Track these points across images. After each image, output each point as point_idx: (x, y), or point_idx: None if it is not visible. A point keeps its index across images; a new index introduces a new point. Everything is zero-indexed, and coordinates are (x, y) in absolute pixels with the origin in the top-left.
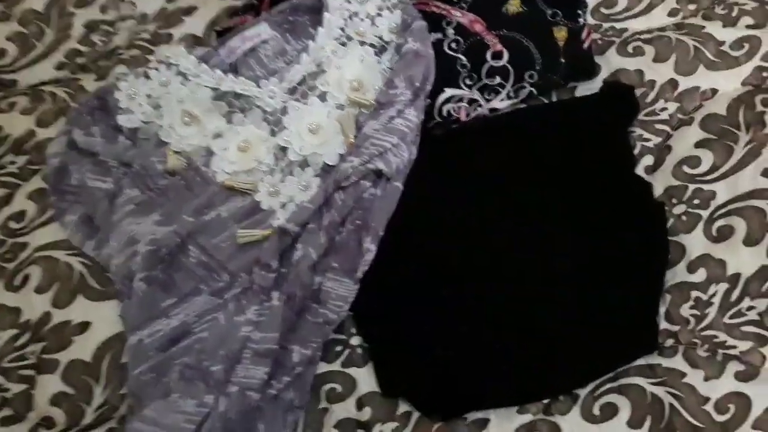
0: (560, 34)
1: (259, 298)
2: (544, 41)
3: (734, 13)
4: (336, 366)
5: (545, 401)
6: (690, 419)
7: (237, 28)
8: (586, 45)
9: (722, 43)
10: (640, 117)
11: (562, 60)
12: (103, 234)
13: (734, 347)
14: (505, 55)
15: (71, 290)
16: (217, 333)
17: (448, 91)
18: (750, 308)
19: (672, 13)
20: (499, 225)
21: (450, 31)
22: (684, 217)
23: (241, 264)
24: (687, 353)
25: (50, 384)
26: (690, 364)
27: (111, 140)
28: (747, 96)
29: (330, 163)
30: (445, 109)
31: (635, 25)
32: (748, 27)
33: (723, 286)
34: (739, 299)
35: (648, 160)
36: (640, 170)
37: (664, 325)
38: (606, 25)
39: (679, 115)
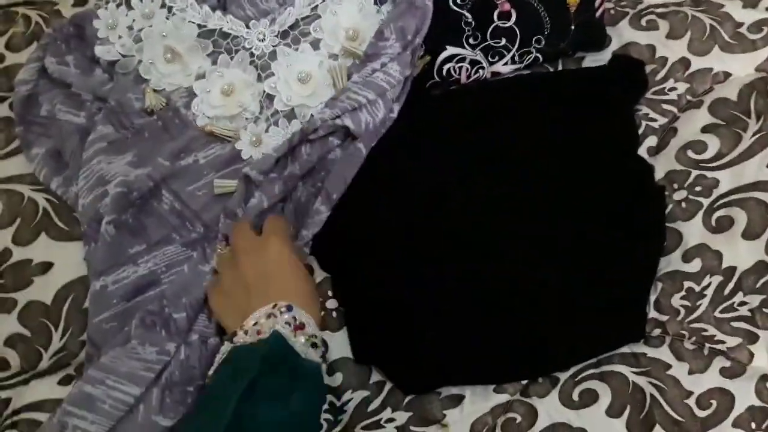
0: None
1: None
2: (555, 5)
3: None
4: None
5: (523, 382)
6: (670, 412)
7: None
8: (598, 13)
9: (740, 24)
10: (648, 95)
11: (572, 27)
12: (71, 171)
13: (722, 342)
14: (513, 16)
15: (34, 228)
16: (180, 281)
17: (450, 50)
18: (742, 303)
19: None
20: (488, 198)
21: None
22: (684, 204)
23: (215, 215)
24: (673, 345)
25: (6, 324)
26: (676, 356)
27: (86, 72)
28: (760, 83)
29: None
30: (445, 68)
31: None
32: None
33: (717, 279)
34: (732, 293)
35: (651, 141)
36: (642, 151)
37: (652, 314)
38: None
39: (688, 97)
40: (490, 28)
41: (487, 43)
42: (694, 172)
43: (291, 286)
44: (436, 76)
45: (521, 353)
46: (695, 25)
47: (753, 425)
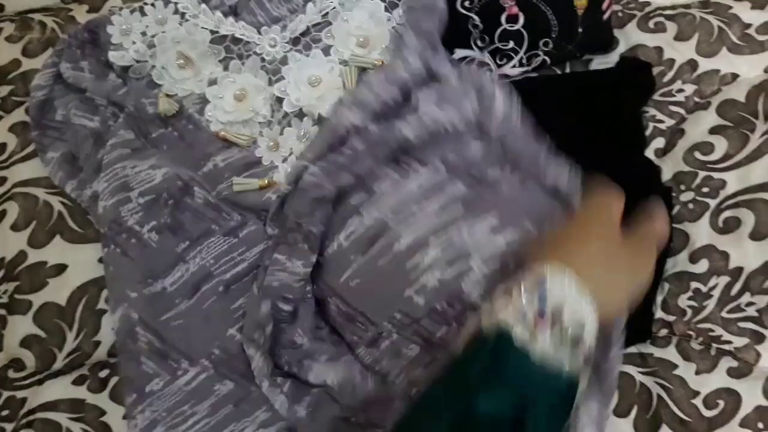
0: (580, 1)
1: None
2: (562, 7)
3: None
4: None
5: None
6: (677, 412)
7: None
8: (606, 16)
9: (748, 25)
10: (655, 97)
11: (580, 29)
12: (86, 175)
13: (729, 342)
14: (521, 19)
15: (49, 230)
16: None
17: (459, 52)
18: (749, 304)
19: None
20: None
21: None
22: (691, 205)
23: (251, 202)
24: (680, 345)
25: (21, 325)
26: (682, 357)
27: (100, 77)
28: None
29: (327, 116)
30: None
31: None
32: None
33: (724, 279)
34: (739, 294)
35: (659, 142)
36: (649, 152)
37: (659, 314)
38: None
39: (696, 98)
40: (498, 31)
41: (494, 45)
42: (702, 174)
43: None
44: None
45: None
46: (703, 26)
47: (760, 425)
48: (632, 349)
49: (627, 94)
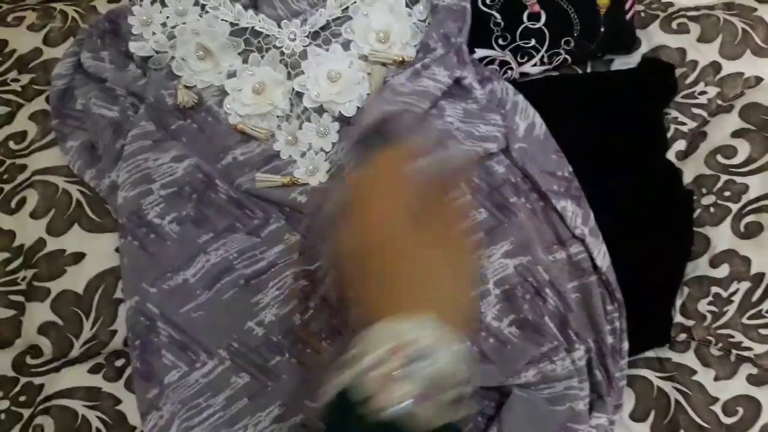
0: (603, 0)
1: None
2: (585, 6)
3: None
4: None
5: None
6: (696, 418)
7: None
8: (628, 16)
9: None
10: (678, 99)
11: (602, 29)
12: (104, 165)
13: (749, 349)
14: (543, 17)
15: (67, 218)
16: None
17: (480, 52)
18: None
19: None
20: None
21: None
22: (712, 209)
23: (273, 197)
24: (699, 350)
25: (39, 312)
26: (701, 362)
27: (120, 67)
28: None
29: (347, 115)
30: None
31: (683, 0)
32: None
33: (745, 285)
34: (760, 300)
35: (680, 145)
36: (671, 154)
37: (678, 318)
38: None
39: (719, 101)
40: (520, 29)
41: (516, 44)
42: (724, 177)
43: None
44: None
45: None
46: (727, 28)
47: None
48: (650, 354)
49: (648, 96)
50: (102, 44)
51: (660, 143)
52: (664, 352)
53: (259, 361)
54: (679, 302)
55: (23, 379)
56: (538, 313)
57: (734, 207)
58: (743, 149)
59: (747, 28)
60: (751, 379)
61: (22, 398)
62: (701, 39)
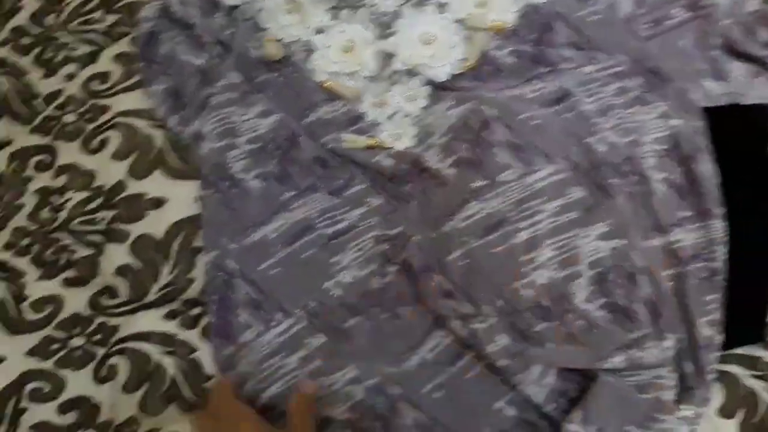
0: None
1: None
2: None
3: None
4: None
5: None
6: None
7: None
8: None
9: None
10: None
11: None
12: (188, 113)
13: None
14: None
15: (149, 162)
16: None
17: None
18: None
19: None
20: None
21: None
22: None
23: (359, 159)
24: None
25: (117, 254)
26: None
27: (208, 14)
28: None
29: (438, 80)
30: None
31: None
32: None
33: None
34: None
35: None
36: None
37: None
38: None
39: None
40: None
41: None
42: None
43: None
44: None
45: None
46: None
47: None
48: (741, 351)
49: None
50: None
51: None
52: (756, 351)
53: (335, 322)
54: None
55: (98, 319)
56: (630, 299)
57: None
58: None
59: None
60: None
61: (97, 337)
62: None
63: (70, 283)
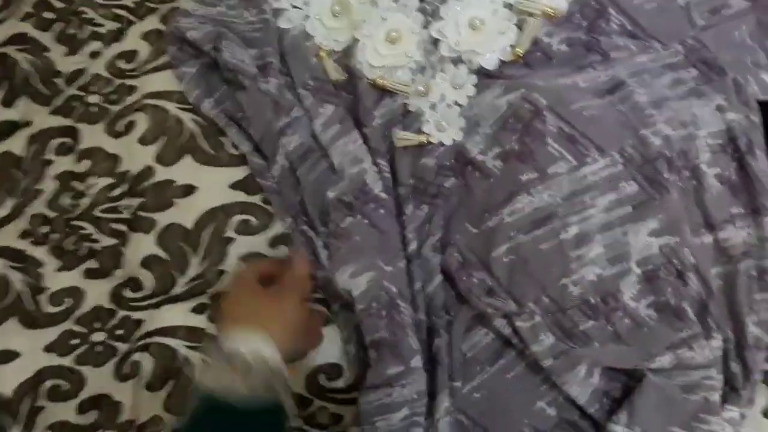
0: None
1: None
2: None
3: None
4: None
5: None
6: None
7: None
8: None
9: None
10: None
11: None
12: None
13: None
14: None
15: (179, 148)
16: None
17: None
18: None
19: None
20: None
21: None
22: None
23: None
24: None
25: (143, 244)
26: None
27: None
28: None
29: (487, 67)
30: None
31: None
32: None
33: None
34: None
35: None
36: None
37: None
38: None
39: None
40: None
41: None
42: None
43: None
44: None
45: None
46: None
47: None
48: None
49: None
50: None
51: None
52: None
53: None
54: None
55: (121, 312)
56: (678, 297)
57: None
58: None
59: None
60: None
61: (119, 332)
62: None
63: (91, 274)
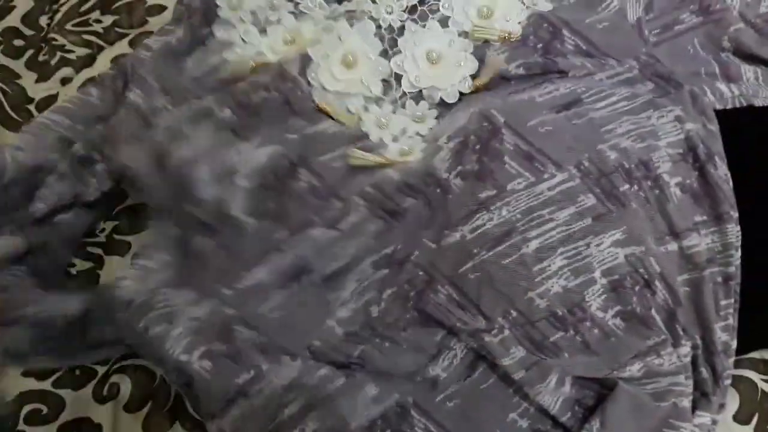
0: None
1: None
2: None
3: None
4: None
5: None
6: None
7: None
8: None
9: None
10: None
11: None
12: None
13: None
14: None
15: None
16: None
17: None
18: None
19: None
20: None
21: None
22: None
23: (353, 188)
24: None
25: (118, 267)
26: None
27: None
28: None
29: (449, 101)
30: None
31: None
32: None
33: None
34: None
35: None
36: None
37: None
38: None
39: None
40: None
41: None
42: None
43: None
44: None
45: None
46: None
47: None
48: (755, 355)
49: None
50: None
51: None
52: None
53: (340, 356)
54: None
55: None
56: (645, 306)
57: None
58: None
59: None
60: None
61: None
62: None
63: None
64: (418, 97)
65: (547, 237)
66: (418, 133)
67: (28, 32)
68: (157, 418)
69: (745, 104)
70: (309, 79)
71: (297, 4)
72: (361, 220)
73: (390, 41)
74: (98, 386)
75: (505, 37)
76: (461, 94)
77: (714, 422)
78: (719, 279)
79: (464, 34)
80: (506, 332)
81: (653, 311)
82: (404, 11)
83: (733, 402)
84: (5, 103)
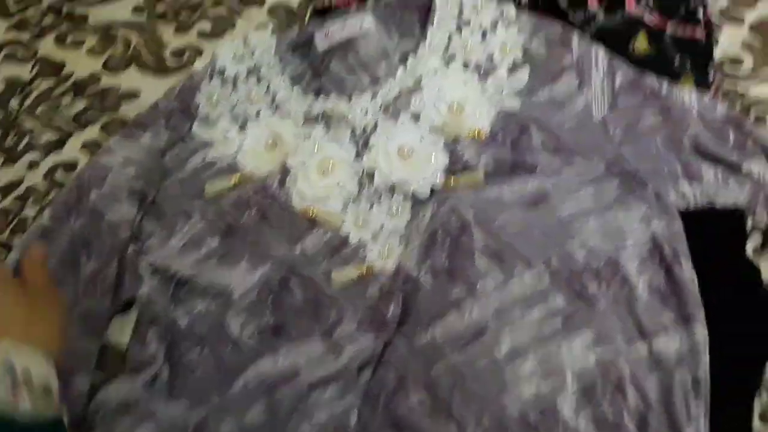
0: (687, 83)
1: None
2: None
3: None
4: None
5: None
6: None
7: (338, 11)
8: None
9: None
10: None
11: None
12: None
13: None
14: None
15: None
16: None
17: None
18: None
19: None
20: None
21: None
22: None
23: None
24: None
25: None
26: None
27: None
28: None
29: (420, 196)
30: None
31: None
32: None
33: None
34: None
35: (756, 239)
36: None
37: (758, 427)
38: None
39: None
40: None
41: None
42: None
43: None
44: None
45: None
46: None
47: None
48: None
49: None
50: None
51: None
52: None
53: None
54: (757, 410)
55: None
56: (617, 411)
57: None
58: None
59: None
60: None
61: None
62: None
63: None
64: (391, 190)
65: (519, 337)
66: (395, 231)
67: None
68: None
69: (706, 204)
70: (287, 187)
71: (273, 99)
72: (352, 330)
73: (363, 141)
74: None
75: (475, 133)
76: (432, 190)
77: None
78: (689, 382)
79: (435, 130)
80: None
81: (625, 417)
82: (379, 110)
83: None
84: None
